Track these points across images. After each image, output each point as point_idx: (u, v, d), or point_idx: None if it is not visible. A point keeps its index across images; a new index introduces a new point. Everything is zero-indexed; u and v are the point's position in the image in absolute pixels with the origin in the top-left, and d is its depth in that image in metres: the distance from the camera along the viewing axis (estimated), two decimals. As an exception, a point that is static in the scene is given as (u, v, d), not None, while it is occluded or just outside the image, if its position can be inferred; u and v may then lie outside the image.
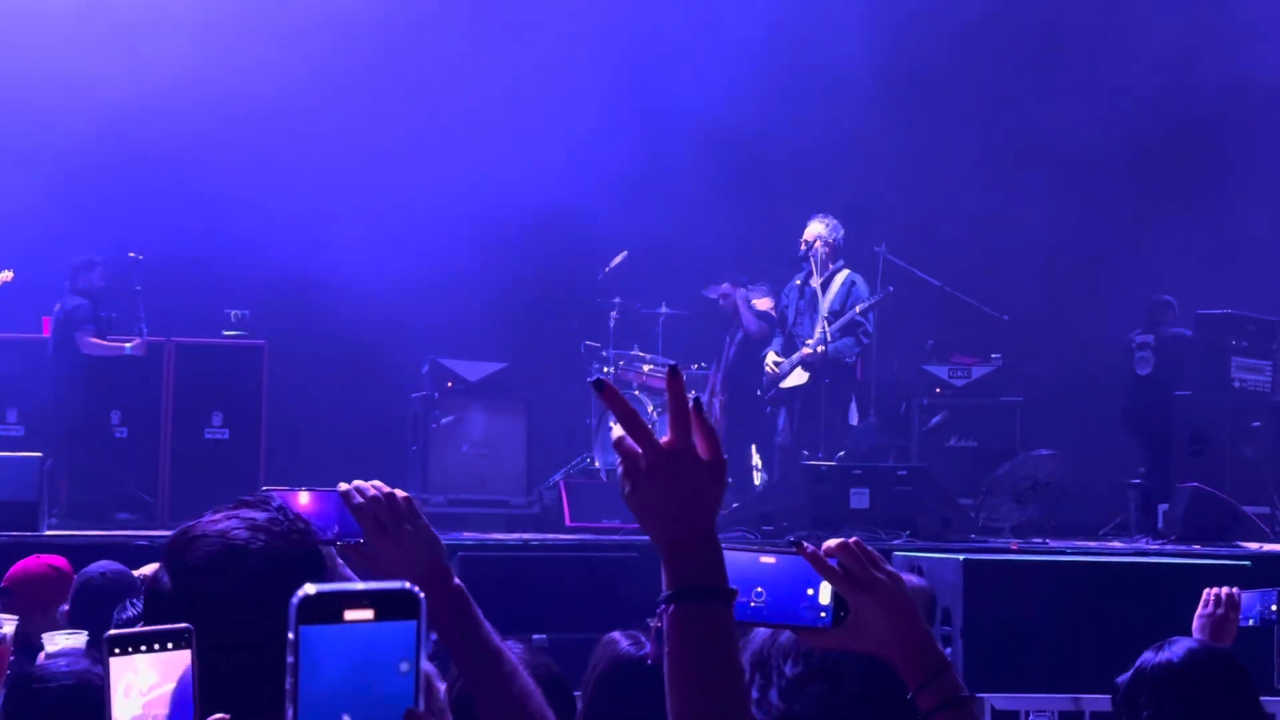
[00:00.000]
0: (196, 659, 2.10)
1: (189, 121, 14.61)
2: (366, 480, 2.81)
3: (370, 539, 2.76)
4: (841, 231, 13.20)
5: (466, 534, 11.94)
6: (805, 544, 2.41)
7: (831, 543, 2.42)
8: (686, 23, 15.53)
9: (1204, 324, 13.86)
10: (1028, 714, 8.02)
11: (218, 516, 2.54)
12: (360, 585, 1.61)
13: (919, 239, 14.66)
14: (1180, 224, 15.31)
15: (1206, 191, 15.75)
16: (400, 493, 2.83)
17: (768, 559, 2.44)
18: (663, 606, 2.24)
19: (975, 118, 16.17)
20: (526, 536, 12.08)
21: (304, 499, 2.84)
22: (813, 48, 15.49)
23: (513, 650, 3.70)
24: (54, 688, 4.41)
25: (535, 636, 8.53)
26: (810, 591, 2.42)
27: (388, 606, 1.58)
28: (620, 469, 2.32)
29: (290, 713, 1.54)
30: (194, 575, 2.43)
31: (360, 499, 2.77)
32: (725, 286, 14.08)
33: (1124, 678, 4.02)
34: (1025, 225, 15.34)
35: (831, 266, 13.15)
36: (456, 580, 2.85)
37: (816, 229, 13.13)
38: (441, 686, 3.59)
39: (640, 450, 2.28)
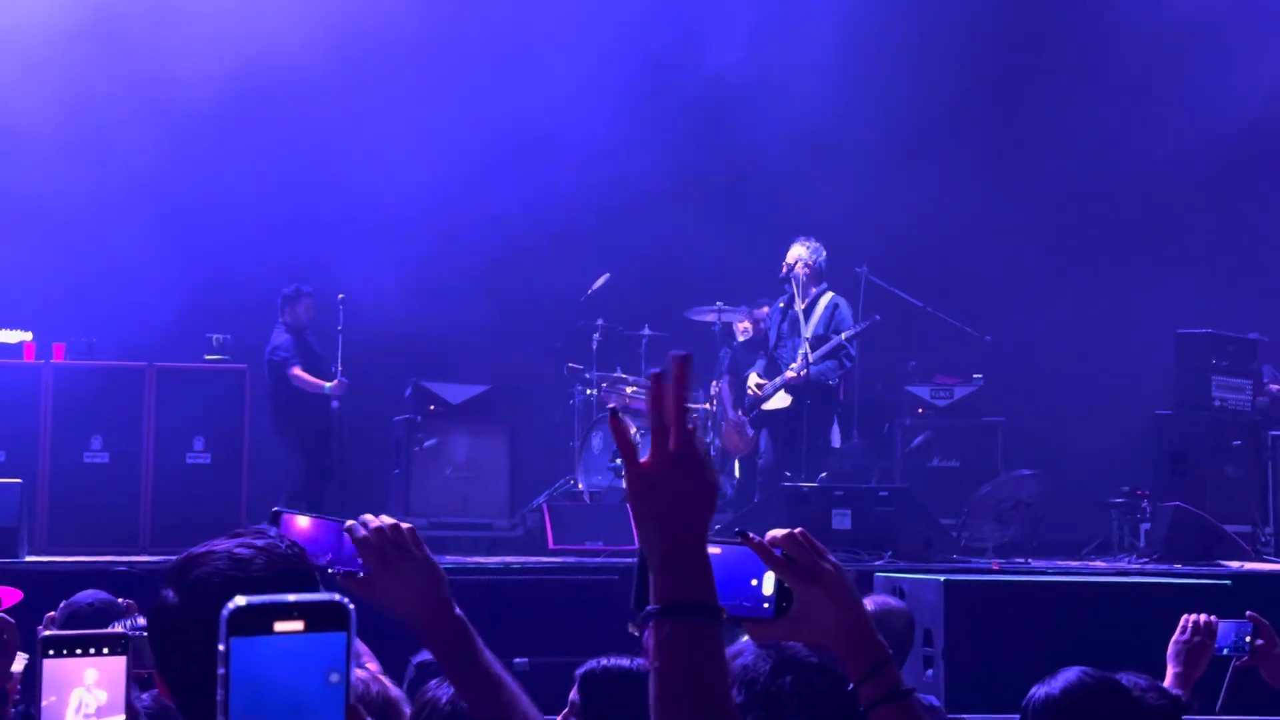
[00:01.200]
0: (131, 665, 2.18)
1: (172, 144, 14.55)
2: (369, 509, 2.80)
3: (373, 570, 2.74)
4: (824, 254, 13.25)
5: (448, 558, 11.59)
6: (750, 534, 2.41)
7: (777, 532, 2.42)
8: (666, 48, 15.56)
9: (1184, 344, 13.92)
10: None
11: (220, 541, 2.58)
12: (291, 597, 1.62)
13: (901, 260, 14.72)
14: (1159, 245, 15.49)
15: (1185, 216, 15.78)
16: (405, 525, 2.81)
17: (713, 549, 2.35)
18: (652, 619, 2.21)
19: (958, 143, 16.17)
20: (509, 560, 12.06)
21: (303, 523, 2.85)
22: (795, 72, 15.46)
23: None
24: None
25: (517, 660, 8.24)
26: (754, 582, 2.42)
27: (317, 618, 1.60)
28: (628, 472, 2.32)
29: None
30: (202, 589, 2.44)
31: (364, 531, 2.74)
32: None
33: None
34: (1006, 247, 15.46)
35: (814, 290, 13.21)
36: (457, 610, 2.83)
37: (798, 252, 13.16)
38: (407, 711, 3.99)
39: (658, 457, 2.28)
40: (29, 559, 10.78)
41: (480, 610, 8.87)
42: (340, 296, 13.53)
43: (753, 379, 13.39)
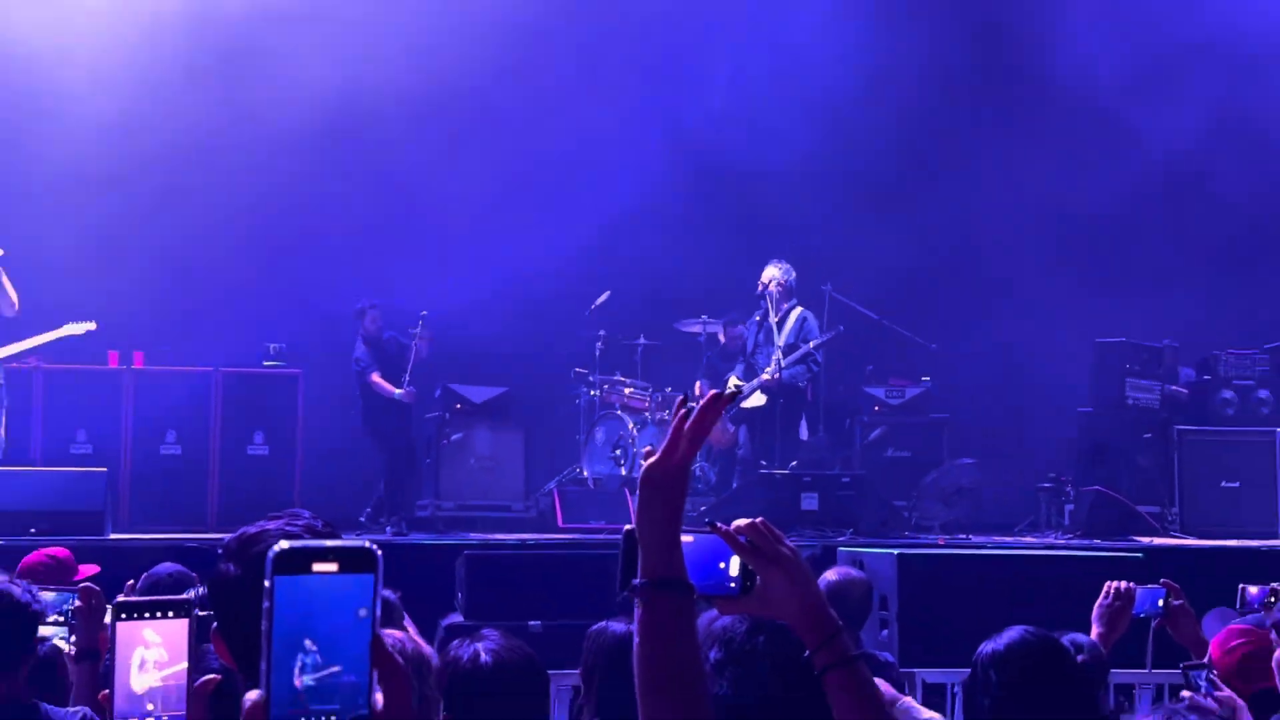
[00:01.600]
0: (194, 628, 2.09)
1: (232, 172, 14.32)
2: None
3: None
4: (793, 274, 13.24)
5: (473, 535, 12.05)
6: (718, 523, 2.43)
7: (741, 522, 2.43)
8: (658, 89, 15.56)
9: (1101, 351, 13.85)
10: (953, 686, 7.94)
11: (269, 521, 2.54)
12: (328, 543, 1.59)
13: (860, 279, 14.60)
14: (1080, 267, 15.47)
15: (1103, 242, 15.87)
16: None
17: (686, 537, 2.41)
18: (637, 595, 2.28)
19: (912, 180, 16.05)
20: (524, 537, 12.05)
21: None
22: (774, 118, 15.42)
23: (490, 636, 3.98)
24: None
25: (531, 623, 8.57)
26: (722, 565, 2.43)
27: (350, 561, 1.57)
28: (648, 466, 2.35)
29: (265, 649, 1.54)
30: (259, 562, 2.36)
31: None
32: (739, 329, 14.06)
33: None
34: (951, 269, 15.45)
35: (785, 305, 13.17)
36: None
37: (771, 272, 13.17)
38: (433, 658, 3.78)
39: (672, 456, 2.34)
40: (113, 537, 10.74)
41: (499, 580, 9.04)
42: (423, 313, 13.36)
43: (732, 381, 13.20)
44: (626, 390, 14.04)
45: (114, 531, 10.97)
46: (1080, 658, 4.35)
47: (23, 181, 13.41)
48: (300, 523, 2.57)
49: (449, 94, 14.83)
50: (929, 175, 16.14)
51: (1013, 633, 3.98)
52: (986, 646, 3.96)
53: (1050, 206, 15.63)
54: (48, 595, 5.50)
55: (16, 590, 4.49)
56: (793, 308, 13.21)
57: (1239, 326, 14.59)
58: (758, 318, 13.47)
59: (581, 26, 15.25)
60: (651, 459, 2.32)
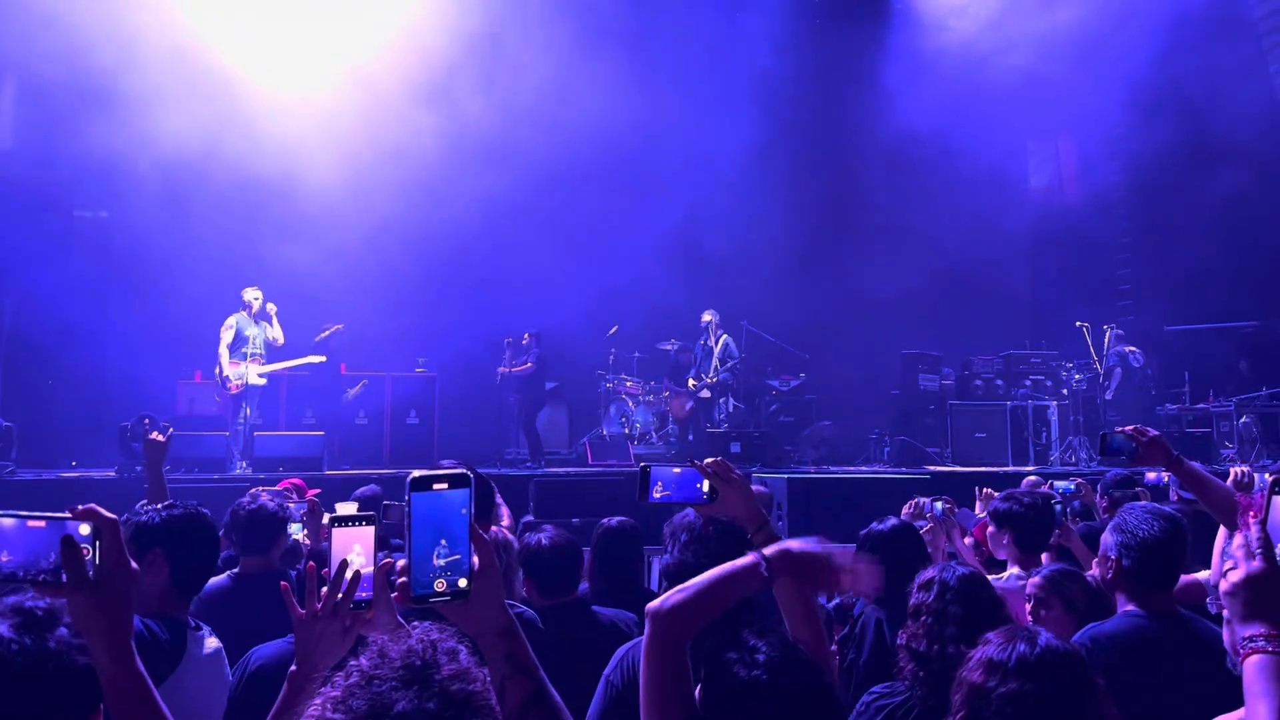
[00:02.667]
0: (378, 532, 1.98)
1: (411, 241, 13.02)
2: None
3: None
4: (719, 315, 13.05)
5: (540, 470, 11.67)
6: (695, 461, 2.44)
7: (709, 460, 2.46)
8: (646, 200, 14.17)
9: (906, 358, 13.79)
10: None
11: (441, 466, 2.62)
12: (442, 471, 1.63)
13: (764, 314, 14.19)
14: (892, 310, 14.45)
15: (909, 298, 14.52)
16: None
17: (677, 469, 2.43)
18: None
19: (803, 245, 14.65)
20: (569, 469, 11.77)
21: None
22: (714, 217, 14.27)
23: (546, 529, 3.88)
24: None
25: (573, 520, 8.00)
26: (699, 485, 2.43)
27: (455, 480, 1.61)
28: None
29: (408, 537, 1.59)
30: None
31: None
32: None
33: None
34: (822, 307, 14.47)
35: (717, 333, 13.04)
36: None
37: (708, 316, 13.06)
38: (515, 543, 3.77)
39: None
40: (328, 472, 10.41)
41: (556, 496, 8.92)
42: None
43: (691, 382, 13.11)
44: (628, 384, 13.87)
45: (329, 469, 10.77)
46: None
47: (274, 248, 12.20)
48: (447, 463, 2.74)
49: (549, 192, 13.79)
50: (819, 246, 14.84)
51: (891, 519, 3.92)
52: (875, 526, 3.87)
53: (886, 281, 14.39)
54: (292, 505, 5.43)
55: (270, 504, 4.41)
56: (721, 335, 13.01)
57: (982, 341, 14.20)
58: (701, 341, 13.21)
59: (601, 160, 13.85)
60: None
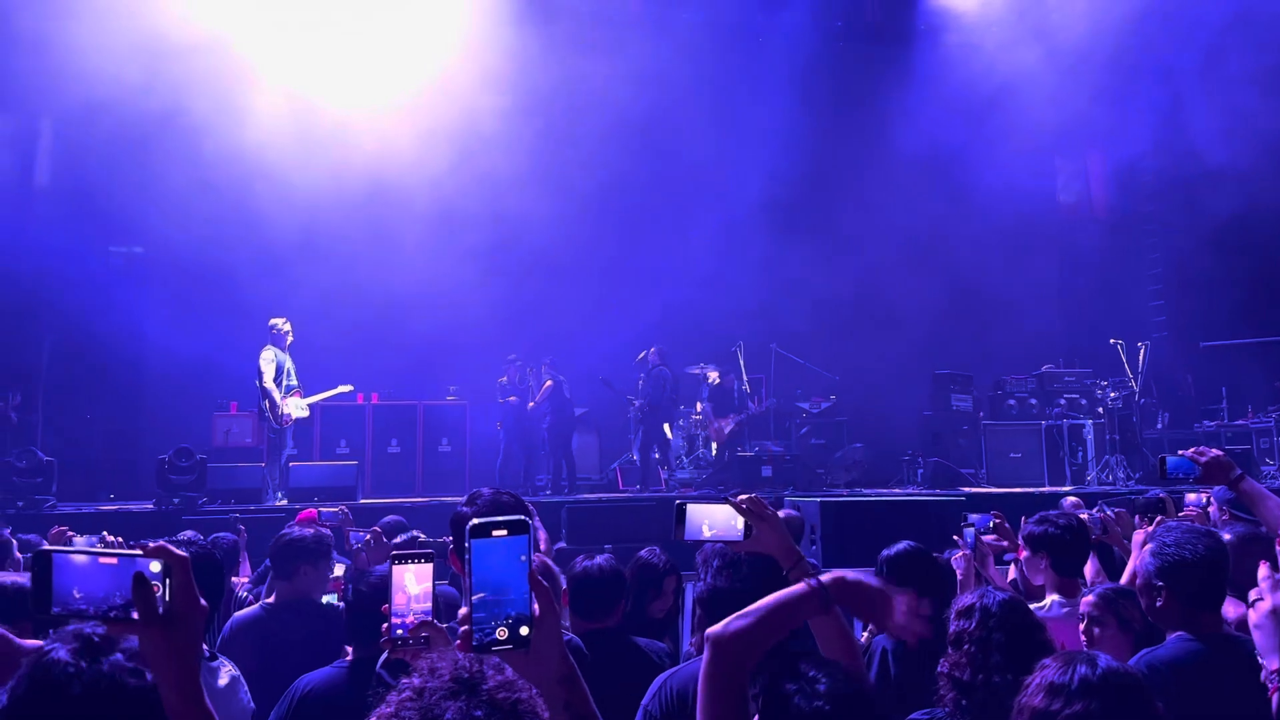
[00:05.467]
0: (435, 569, 2.02)
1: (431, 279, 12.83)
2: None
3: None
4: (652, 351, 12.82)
5: (571, 496, 11.76)
6: (730, 498, 2.44)
7: (743, 496, 2.46)
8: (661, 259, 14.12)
9: (937, 378, 13.76)
10: None
11: (482, 489, 2.72)
12: (499, 519, 1.63)
13: (793, 339, 14.31)
14: (916, 332, 14.33)
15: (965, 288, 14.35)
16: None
17: (711, 506, 2.44)
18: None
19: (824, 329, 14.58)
20: (600, 495, 11.89)
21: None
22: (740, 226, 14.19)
23: (603, 555, 3.88)
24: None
25: (606, 546, 8.29)
26: (733, 522, 2.43)
27: (514, 528, 1.62)
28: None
29: (467, 585, 1.60)
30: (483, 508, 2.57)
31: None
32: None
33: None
34: (853, 331, 14.38)
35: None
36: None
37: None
38: (563, 579, 3.79)
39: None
40: (362, 501, 10.45)
41: (586, 521, 8.89)
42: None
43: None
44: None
45: (363, 497, 10.86)
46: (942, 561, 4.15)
47: (305, 276, 12.28)
48: (487, 491, 2.67)
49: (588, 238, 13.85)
50: (845, 274, 14.23)
51: (902, 544, 3.91)
52: (886, 551, 3.87)
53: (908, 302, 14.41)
54: (354, 533, 5.61)
55: (304, 532, 4.43)
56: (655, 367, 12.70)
57: (1015, 360, 14.17)
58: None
59: (633, 186, 13.92)
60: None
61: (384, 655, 2.65)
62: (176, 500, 9.77)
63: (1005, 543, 4.90)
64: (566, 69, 12.93)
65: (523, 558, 1.61)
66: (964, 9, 14.28)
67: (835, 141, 14.56)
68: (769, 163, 13.79)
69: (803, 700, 1.92)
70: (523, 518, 1.63)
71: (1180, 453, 3.51)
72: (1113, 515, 5.06)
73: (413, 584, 1.99)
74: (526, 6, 13.12)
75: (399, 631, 1.98)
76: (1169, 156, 13.01)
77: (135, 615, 1.56)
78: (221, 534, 5.74)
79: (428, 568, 2.01)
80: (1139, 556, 3.18)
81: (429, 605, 2.01)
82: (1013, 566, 4.88)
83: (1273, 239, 13.28)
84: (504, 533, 1.61)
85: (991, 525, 4.99)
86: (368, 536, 5.34)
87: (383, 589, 3.34)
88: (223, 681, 2.96)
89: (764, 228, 14.32)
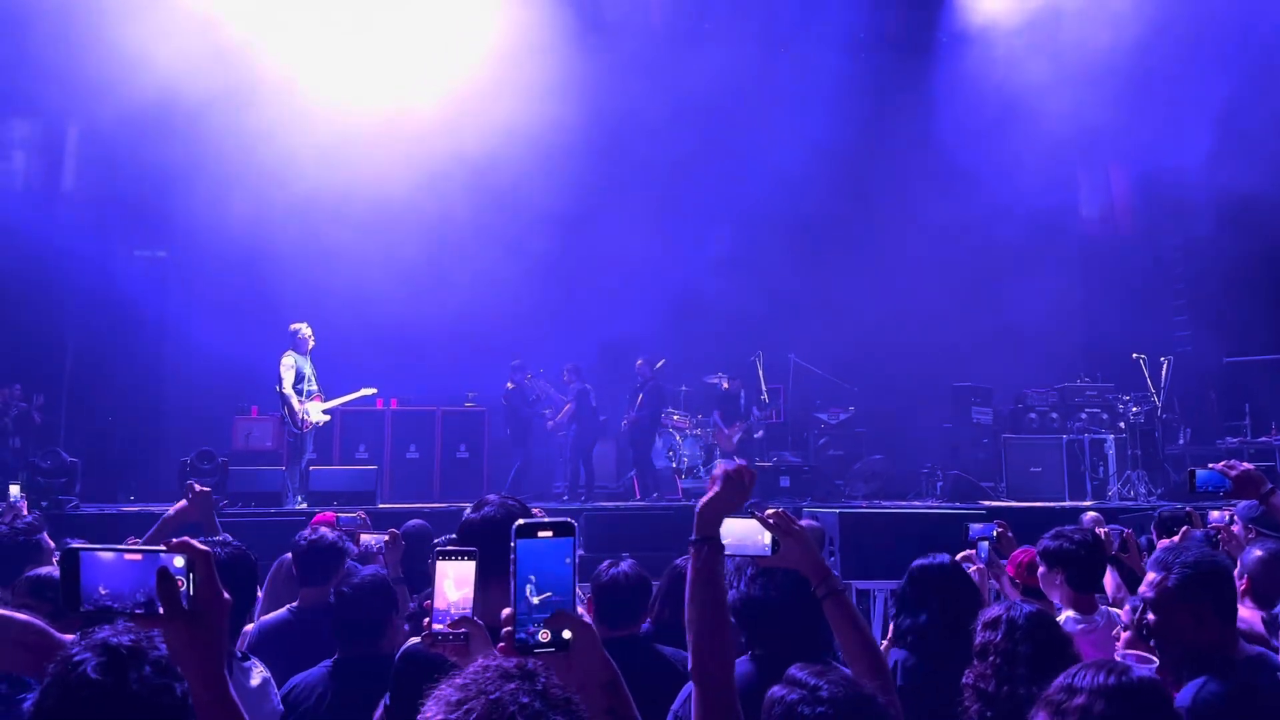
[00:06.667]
0: (479, 568, 2.02)
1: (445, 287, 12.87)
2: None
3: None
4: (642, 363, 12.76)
5: (589, 504, 11.67)
6: (756, 512, 2.39)
7: (769, 510, 2.43)
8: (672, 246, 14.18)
9: (956, 390, 13.86)
10: (873, 591, 7.97)
11: (490, 496, 2.74)
12: (546, 519, 1.64)
13: (811, 349, 14.34)
14: (935, 351, 14.10)
15: (977, 302, 14.06)
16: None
17: (740, 521, 2.35)
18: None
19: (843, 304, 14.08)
20: (617, 504, 11.80)
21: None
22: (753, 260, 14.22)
23: (625, 562, 3.80)
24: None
25: (624, 555, 8.30)
26: (759, 538, 2.38)
27: (559, 529, 1.62)
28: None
29: (513, 585, 1.60)
30: (489, 521, 2.59)
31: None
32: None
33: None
34: (870, 345, 14.05)
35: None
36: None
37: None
38: (587, 587, 3.78)
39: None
40: (381, 506, 10.47)
41: (603, 529, 9.18)
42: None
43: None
44: (675, 416, 13.75)
45: (381, 502, 10.85)
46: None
47: (327, 281, 12.32)
48: (494, 498, 2.69)
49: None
50: (865, 285, 14.11)
51: (939, 555, 3.74)
52: (920, 561, 3.71)
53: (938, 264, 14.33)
54: (368, 537, 5.39)
55: (330, 535, 4.40)
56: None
57: (1036, 374, 13.99)
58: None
59: (649, 194, 13.94)
60: (741, 472, 2.20)
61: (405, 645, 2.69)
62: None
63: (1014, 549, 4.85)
64: (590, 80, 12.94)
65: (568, 560, 1.61)
66: (984, 22, 14.24)
67: (858, 154, 14.54)
68: (790, 174, 13.74)
69: (806, 708, 1.94)
70: (569, 520, 1.63)
71: (1211, 466, 3.48)
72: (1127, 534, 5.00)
73: (455, 581, 2.02)
74: (552, 16, 13.14)
75: (438, 626, 1.99)
76: (1192, 170, 12.90)
77: (160, 610, 1.58)
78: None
79: (470, 565, 2.02)
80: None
81: (470, 603, 2.04)
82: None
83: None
84: (549, 534, 1.61)
85: (995, 535, 4.98)
86: (385, 537, 5.27)
87: (367, 591, 3.51)
88: (255, 682, 2.98)
89: (784, 238, 14.33)
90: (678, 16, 14.47)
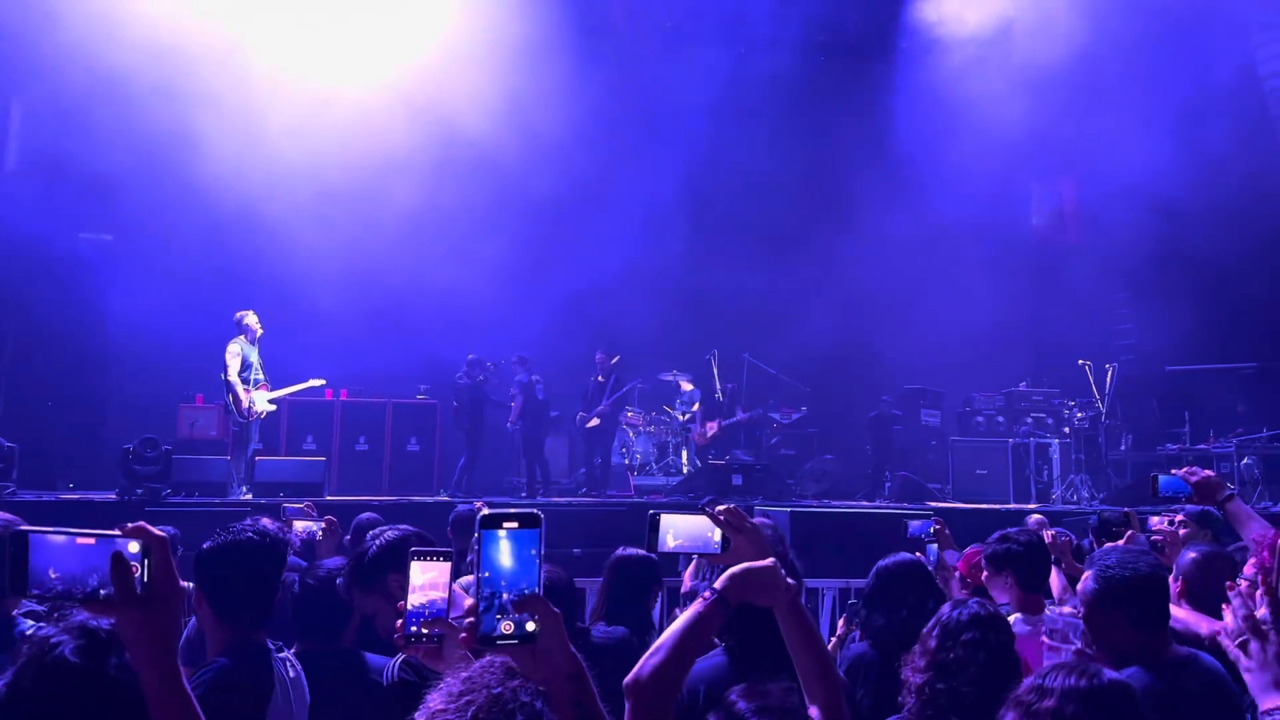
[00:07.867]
0: (453, 568, 1.99)
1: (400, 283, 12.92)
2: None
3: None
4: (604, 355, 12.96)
5: (541, 499, 11.68)
6: (707, 508, 2.33)
7: (720, 507, 2.35)
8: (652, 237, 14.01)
9: (906, 392, 14.00)
10: (822, 590, 8.07)
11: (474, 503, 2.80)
12: (512, 510, 1.59)
13: (766, 349, 14.30)
14: (894, 351, 14.30)
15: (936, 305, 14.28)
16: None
17: (689, 516, 2.31)
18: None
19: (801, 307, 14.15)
20: (570, 499, 11.72)
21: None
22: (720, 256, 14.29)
23: (554, 571, 3.65)
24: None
25: (574, 550, 8.28)
26: (709, 534, 2.30)
27: (526, 520, 1.59)
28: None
29: (476, 576, 1.57)
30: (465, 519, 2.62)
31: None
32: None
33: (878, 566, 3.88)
34: (825, 348, 14.08)
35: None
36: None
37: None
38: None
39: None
40: (329, 498, 10.36)
41: (556, 525, 8.78)
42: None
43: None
44: (629, 414, 13.79)
45: (329, 494, 10.80)
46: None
47: (274, 271, 12.14)
48: (449, 494, 2.85)
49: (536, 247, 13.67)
50: (817, 287, 14.24)
51: (900, 555, 3.87)
52: (884, 561, 3.82)
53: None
54: (301, 524, 5.41)
55: (270, 525, 4.59)
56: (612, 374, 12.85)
57: (988, 376, 14.19)
58: (594, 377, 13.01)
59: (600, 190, 13.80)
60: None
61: (399, 656, 2.64)
62: (140, 491, 9.67)
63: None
64: (545, 76, 12.86)
65: (533, 552, 1.58)
66: (941, 32, 14.37)
67: (815, 157, 14.58)
68: (747, 175, 13.85)
69: (754, 717, 1.92)
70: (535, 511, 1.60)
71: (1174, 472, 3.57)
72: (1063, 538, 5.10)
73: (429, 582, 1.97)
74: (513, 15, 13.01)
75: (413, 628, 1.95)
76: (1140, 183, 13.16)
77: (113, 595, 1.54)
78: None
79: (445, 566, 1.98)
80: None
81: (444, 604, 1.99)
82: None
83: (1238, 267, 13.38)
84: (515, 525, 1.58)
85: (932, 531, 5.07)
86: (323, 525, 5.21)
87: (330, 583, 3.45)
88: (291, 673, 2.93)
89: (740, 238, 14.42)
90: (641, 19, 14.51)
